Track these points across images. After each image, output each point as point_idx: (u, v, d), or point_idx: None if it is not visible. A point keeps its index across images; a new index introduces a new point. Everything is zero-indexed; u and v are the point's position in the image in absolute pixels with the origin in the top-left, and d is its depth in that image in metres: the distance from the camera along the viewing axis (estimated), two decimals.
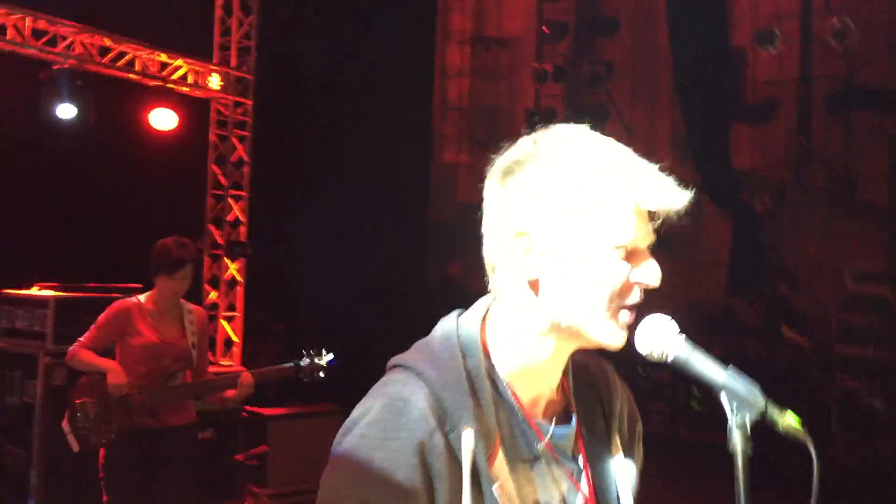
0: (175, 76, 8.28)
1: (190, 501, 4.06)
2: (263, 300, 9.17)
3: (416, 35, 11.59)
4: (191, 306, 4.32)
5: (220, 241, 8.97)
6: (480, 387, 1.18)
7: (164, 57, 8.13)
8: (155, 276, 4.15)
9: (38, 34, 7.06)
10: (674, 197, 1.18)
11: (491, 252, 1.24)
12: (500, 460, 1.16)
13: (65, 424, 3.99)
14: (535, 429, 1.23)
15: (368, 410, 1.16)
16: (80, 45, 7.40)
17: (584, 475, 1.27)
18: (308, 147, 9.98)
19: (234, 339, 8.85)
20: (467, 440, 1.12)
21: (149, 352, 4.06)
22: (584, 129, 1.23)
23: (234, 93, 8.89)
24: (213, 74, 8.75)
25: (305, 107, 9.88)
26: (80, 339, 4.10)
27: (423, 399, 1.14)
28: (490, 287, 1.26)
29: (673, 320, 1.19)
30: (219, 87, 8.76)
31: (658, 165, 1.20)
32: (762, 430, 1.13)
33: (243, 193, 9.03)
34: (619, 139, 1.21)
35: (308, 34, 9.57)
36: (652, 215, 1.20)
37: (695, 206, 1.19)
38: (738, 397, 1.12)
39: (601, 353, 1.37)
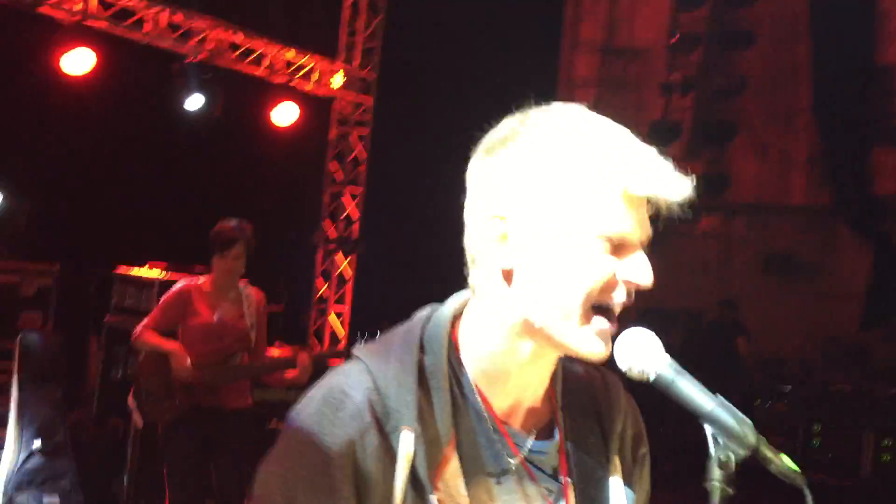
0: (300, 74, 8.50)
1: (244, 486, 4.08)
2: (373, 296, 9.27)
3: (542, 43, 11.46)
4: (249, 289, 4.36)
5: (334, 236, 9.14)
6: (436, 386, 1.06)
7: (291, 54, 8.35)
8: (211, 258, 4.21)
9: (173, 27, 7.40)
10: (669, 183, 1.02)
11: (469, 239, 1.12)
12: (453, 470, 1.04)
13: (130, 401, 4.12)
14: (507, 439, 1.10)
15: (308, 402, 1.08)
16: (212, 39, 7.70)
17: (563, 497, 1.12)
18: (426, 149, 10.03)
19: (341, 332, 9.00)
20: (405, 442, 1.02)
21: (208, 332, 4.14)
22: (579, 107, 1.09)
23: (356, 92, 9.05)
24: (338, 73, 8.93)
25: (426, 109, 9.93)
26: (145, 320, 4.21)
27: (362, 394, 1.04)
28: (469, 280, 1.14)
29: (656, 336, 1.05)
30: (341, 86, 8.93)
31: (655, 150, 1.05)
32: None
33: (359, 190, 9.18)
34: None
35: (433, 38, 9.62)
36: (646, 205, 1.05)
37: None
38: (726, 430, 0.97)
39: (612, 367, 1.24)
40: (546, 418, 1.15)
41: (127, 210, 7.13)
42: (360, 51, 9.05)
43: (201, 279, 4.29)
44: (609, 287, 1.03)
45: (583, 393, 1.19)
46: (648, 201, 1.05)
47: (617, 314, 1.05)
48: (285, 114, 8.47)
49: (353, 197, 9.18)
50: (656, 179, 1.02)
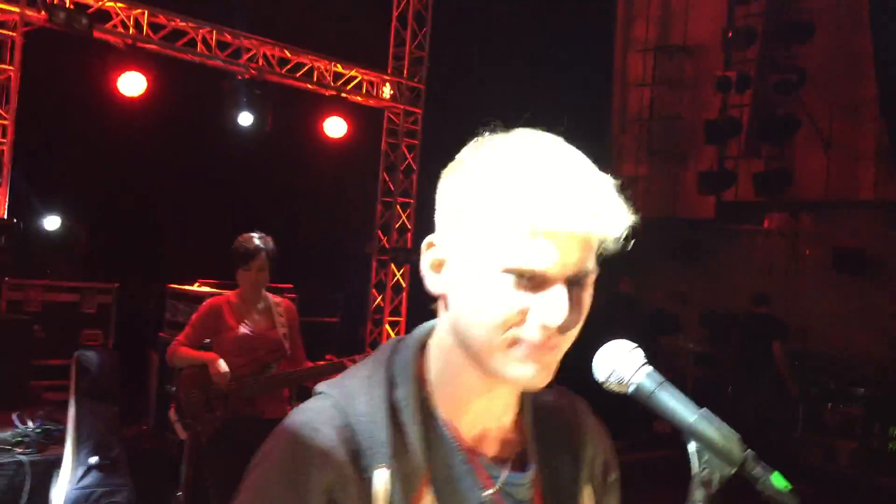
0: (349, 86, 8.56)
1: None
2: (428, 306, 9.25)
3: (594, 44, 11.31)
4: (277, 299, 4.39)
5: (387, 246, 9.18)
6: (407, 420, 1.02)
7: (339, 67, 8.43)
8: (236, 271, 4.24)
9: (222, 46, 7.54)
10: (579, 220, 0.94)
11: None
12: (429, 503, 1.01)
13: (172, 414, 4.16)
14: (480, 470, 1.05)
15: (277, 442, 1.04)
16: (262, 56, 7.82)
17: None
18: None
19: None
20: (380, 481, 0.98)
21: (241, 344, 4.17)
22: (536, 136, 1.02)
23: (405, 102, 9.08)
24: (386, 84, 8.98)
25: (476, 117, 9.89)
26: (178, 337, 4.26)
27: (333, 431, 1.01)
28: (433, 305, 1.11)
29: (639, 348, 0.98)
30: (390, 97, 8.97)
31: (604, 184, 0.97)
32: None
33: (411, 201, 9.19)
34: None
35: (481, 46, 9.59)
36: (576, 240, 0.96)
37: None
38: (710, 445, 0.91)
39: (576, 389, 1.18)
40: (518, 448, 1.11)
41: (183, 227, 7.29)
42: (407, 61, 9.08)
43: (230, 294, 4.34)
44: (520, 322, 0.97)
45: (553, 420, 1.15)
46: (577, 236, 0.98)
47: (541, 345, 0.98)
48: (336, 126, 8.55)
49: (405, 207, 9.20)
50: (564, 217, 0.94)
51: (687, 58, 12.12)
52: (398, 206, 9.16)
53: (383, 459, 0.99)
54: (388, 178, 9.22)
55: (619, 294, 9.25)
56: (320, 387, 1.08)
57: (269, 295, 4.35)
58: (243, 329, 4.20)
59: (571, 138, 1.02)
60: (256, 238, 4.24)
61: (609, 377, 0.97)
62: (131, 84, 7.02)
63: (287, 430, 1.04)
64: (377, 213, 9.25)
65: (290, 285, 5.14)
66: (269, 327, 4.25)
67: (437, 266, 1.05)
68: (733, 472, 0.90)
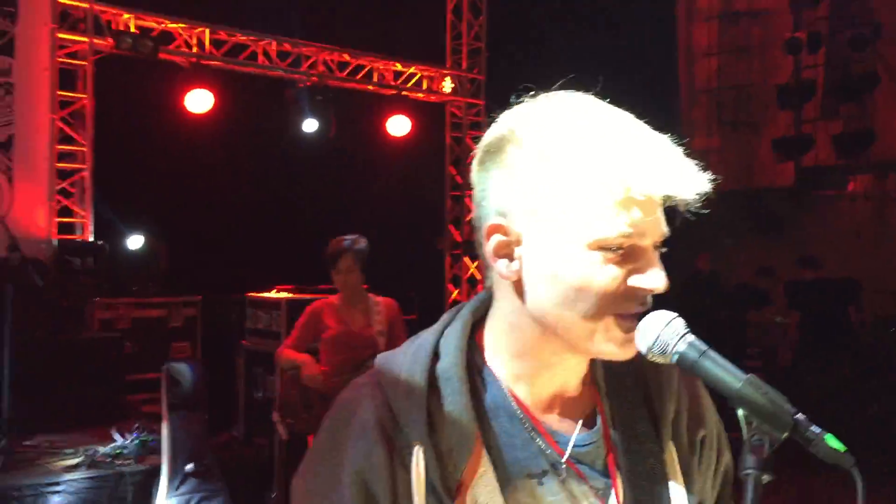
0: (410, 83, 8.60)
1: None
2: None
3: (657, 17, 11.07)
4: (378, 298, 4.48)
5: (459, 240, 9.19)
6: (451, 392, 1.00)
7: (398, 66, 8.48)
8: (331, 274, 4.33)
9: (283, 56, 7.67)
10: (674, 180, 0.91)
11: (479, 246, 1.04)
12: (483, 476, 0.98)
13: (274, 415, 4.28)
14: (546, 437, 1.02)
15: (326, 419, 1.06)
16: (321, 62, 7.92)
17: (612, 492, 1.03)
18: None
19: None
20: (417, 457, 0.97)
21: (337, 342, 4.29)
22: (584, 98, 0.98)
23: (466, 95, 9.07)
24: (446, 78, 8.98)
25: None
26: (285, 340, 4.42)
27: (369, 411, 1.00)
28: (486, 281, 1.08)
29: (681, 318, 0.95)
30: (451, 91, 8.96)
31: (672, 146, 0.93)
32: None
33: None
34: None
35: (539, 28, 9.50)
36: (658, 204, 0.94)
37: None
38: (759, 410, 0.86)
39: None
40: (589, 408, 1.07)
41: (258, 237, 7.45)
42: (465, 53, 9.06)
43: (333, 297, 4.45)
44: (619, 296, 0.94)
45: (628, 377, 1.09)
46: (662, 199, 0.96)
47: (638, 315, 0.96)
48: (399, 125, 8.60)
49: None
50: (657, 179, 0.91)
51: (753, 23, 11.74)
52: (467, 199, 9.16)
53: (418, 437, 0.98)
54: (455, 172, 9.23)
55: (698, 271, 9.04)
56: (376, 360, 1.08)
57: (371, 295, 4.48)
58: (340, 327, 4.32)
59: (640, 114, 0.99)
60: (346, 240, 4.34)
61: (652, 347, 0.94)
62: (198, 101, 7.21)
63: (333, 408, 1.06)
64: (447, 208, 9.27)
65: (365, 286, 5.19)
66: (365, 325, 4.37)
67: (507, 252, 1.00)
68: (784, 436, 0.86)
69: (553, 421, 1.04)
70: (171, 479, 4.62)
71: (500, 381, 1.04)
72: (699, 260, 9.14)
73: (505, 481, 0.99)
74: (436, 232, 9.22)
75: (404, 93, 8.55)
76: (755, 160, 11.38)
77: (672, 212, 0.97)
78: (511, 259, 1.00)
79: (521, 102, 1.03)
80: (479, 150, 1.03)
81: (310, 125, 7.63)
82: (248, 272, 6.56)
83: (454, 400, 1.00)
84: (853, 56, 10.02)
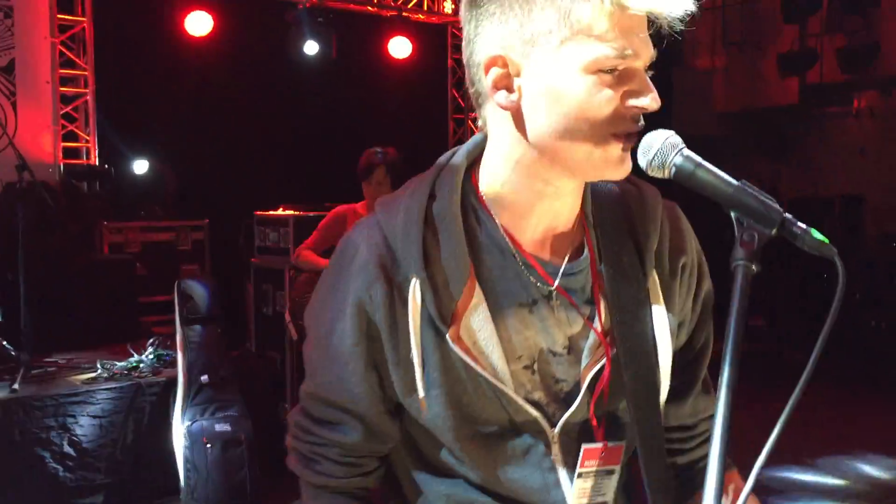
0: (410, 4, 8.50)
1: None
2: None
3: None
4: None
5: None
6: (445, 230, 1.06)
7: None
8: (361, 184, 4.39)
9: None
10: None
11: (471, 82, 1.09)
12: (476, 307, 1.05)
13: (287, 315, 4.38)
14: (538, 269, 1.09)
15: (333, 255, 1.17)
16: None
17: (597, 317, 1.10)
18: None
19: None
20: (413, 289, 1.05)
21: None
22: None
23: None
24: None
25: None
26: (305, 242, 4.50)
27: (370, 248, 1.08)
28: (479, 121, 1.12)
29: (677, 135, 1.00)
30: (452, 11, 8.86)
31: None
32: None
33: None
34: None
35: None
36: (645, 24, 0.99)
37: None
38: (750, 210, 0.93)
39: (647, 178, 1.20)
40: (577, 241, 1.13)
41: (262, 158, 7.48)
42: None
43: (357, 204, 4.53)
44: (616, 116, 0.99)
45: (615, 209, 1.15)
46: (649, 20, 0.99)
47: (633, 135, 1.01)
48: (400, 47, 8.54)
49: (477, 122, 9.16)
50: None
51: None
52: (469, 122, 9.14)
53: (415, 270, 1.05)
54: (457, 95, 9.19)
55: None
56: (377, 202, 1.15)
57: None
58: None
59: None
60: (378, 152, 4.39)
61: (651, 161, 1.00)
62: (198, 24, 7.17)
63: (337, 249, 1.15)
64: (450, 131, 9.26)
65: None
66: None
67: (507, 83, 1.03)
68: (774, 232, 0.92)
69: (544, 253, 1.11)
70: (187, 390, 4.76)
71: (494, 219, 1.10)
72: None
73: (497, 310, 1.07)
74: (438, 154, 9.21)
75: (405, 14, 8.46)
76: (760, 79, 11.28)
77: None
78: (510, 90, 1.03)
79: None
80: None
81: (311, 47, 7.58)
82: (253, 194, 6.60)
83: (449, 237, 1.07)
84: None
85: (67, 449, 4.51)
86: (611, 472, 1.13)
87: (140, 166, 7.09)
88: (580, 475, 1.10)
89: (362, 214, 4.42)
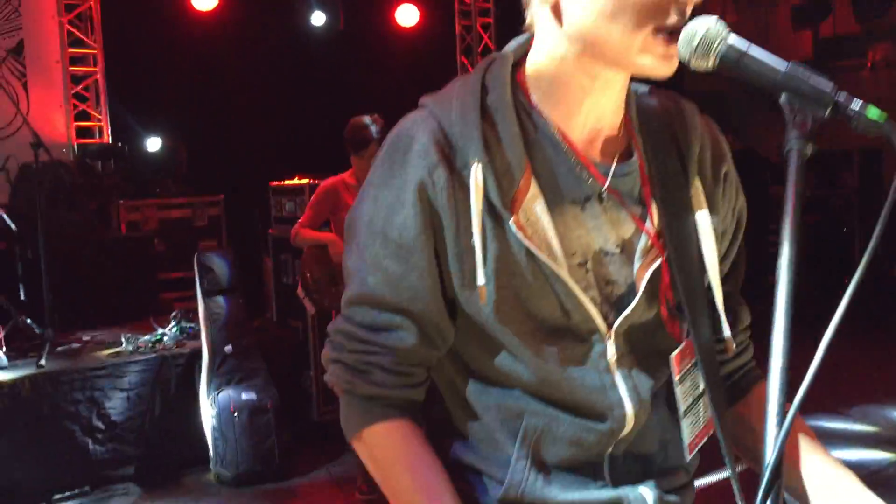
0: None
1: None
2: None
3: None
4: None
5: None
6: (501, 119, 1.05)
7: None
8: (349, 154, 4.31)
9: None
10: None
11: None
12: (532, 197, 1.03)
13: (299, 291, 4.37)
14: (589, 167, 1.08)
15: (381, 151, 1.10)
16: None
17: (648, 217, 1.10)
18: None
19: None
20: (475, 174, 1.02)
21: None
22: None
23: None
24: None
25: None
26: (300, 220, 4.43)
27: (427, 135, 1.04)
28: (525, 22, 1.11)
29: (722, 20, 0.96)
30: None
31: None
32: None
33: None
34: None
35: None
36: None
37: None
38: (801, 92, 0.89)
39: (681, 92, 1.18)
40: (623, 145, 1.12)
41: (273, 131, 7.46)
42: None
43: (344, 174, 4.44)
44: (658, 6, 0.97)
45: (658, 119, 1.15)
46: None
47: (676, 30, 0.98)
48: (408, 14, 8.46)
49: None
50: None
51: None
52: None
53: (476, 154, 1.02)
54: (465, 62, 9.12)
55: None
56: (421, 99, 1.12)
57: None
58: None
59: None
60: (370, 124, 4.24)
61: (696, 49, 0.95)
62: None
63: (387, 140, 1.10)
64: None
65: None
66: None
67: None
68: (827, 113, 0.88)
69: (594, 154, 1.09)
70: (212, 361, 4.78)
71: (543, 116, 1.08)
72: None
73: (552, 205, 1.05)
74: None
75: None
76: (773, 33, 11.13)
77: None
78: None
79: None
80: None
81: (317, 18, 7.53)
82: (267, 166, 6.58)
83: (505, 127, 1.05)
84: None
85: (96, 422, 4.55)
86: (695, 364, 1.13)
87: (153, 143, 7.08)
88: (680, 381, 1.11)
89: (352, 184, 4.34)
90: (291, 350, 5.42)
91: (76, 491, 4.44)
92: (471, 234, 1.02)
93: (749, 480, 0.97)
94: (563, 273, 1.03)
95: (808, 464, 1.09)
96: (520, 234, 1.02)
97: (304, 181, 5.45)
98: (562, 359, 1.06)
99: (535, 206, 1.04)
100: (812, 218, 10.14)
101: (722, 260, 1.17)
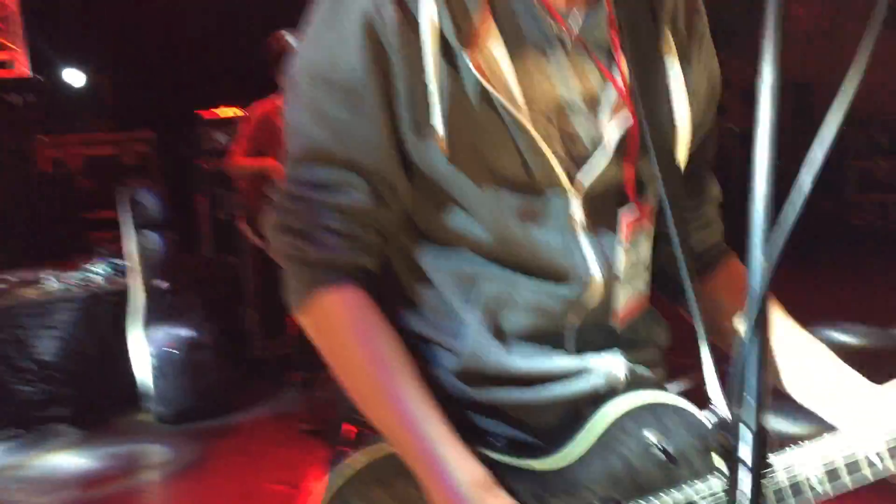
0: None
1: None
2: None
3: None
4: None
5: None
6: None
7: None
8: (274, 74, 4.04)
9: None
10: None
11: None
12: (490, 37, 0.95)
13: (242, 224, 4.25)
14: (555, 15, 0.99)
15: None
16: None
17: (616, 67, 1.02)
18: None
19: None
20: (427, 6, 0.93)
21: None
22: None
23: None
24: None
25: None
26: (232, 148, 4.28)
27: None
28: None
29: None
30: None
31: None
32: None
33: None
34: None
35: None
36: None
37: None
38: None
39: None
40: None
41: (197, 63, 7.15)
42: None
43: (276, 98, 4.26)
44: None
45: None
46: None
47: None
48: None
49: None
50: None
51: None
52: None
53: None
54: None
55: None
56: None
57: None
58: None
59: None
60: (289, 37, 4.04)
61: None
62: None
63: None
64: None
65: None
66: None
67: None
68: None
69: (560, 2, 1.00)
70: (145, 297, 4.63)
71: None
72: None
73: (512, 48, 0.96)
74: None
75: None
76: None
77: None
78: None
79: None
80: None
81: None
82: (199, 99, 6.31)
83: None
84: None
85: (25, 363, 4.38)
86: (648, 235, 1.08)
87: (76, 77, 6.74)
88: (621, 241, 1.04)
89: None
90: (227, 286, 5.29)
91: (10, 433, 4.27)
92: (424, 75, 0.94)
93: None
94: (525, 120, 0.95)
95: (781, 336, 1.08)
96: (477, 75, 0.93)
97: (232, 113, 5.26)
98: (522, 214, 0.99)
99: (493, 46, 0.95)
100: (746, 152, 10.31)
101: (694, 130, 1.09)
